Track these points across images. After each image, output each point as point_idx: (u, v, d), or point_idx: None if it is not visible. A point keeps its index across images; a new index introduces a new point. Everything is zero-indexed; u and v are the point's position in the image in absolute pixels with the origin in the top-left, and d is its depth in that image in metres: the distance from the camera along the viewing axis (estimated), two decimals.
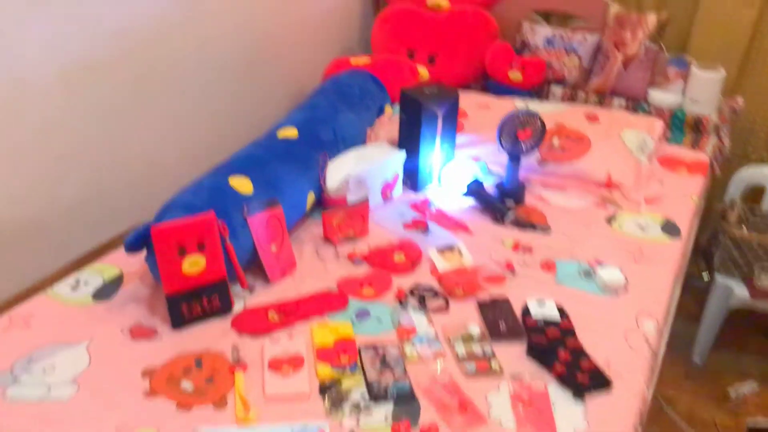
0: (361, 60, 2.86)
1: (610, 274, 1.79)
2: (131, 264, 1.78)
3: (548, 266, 1.84)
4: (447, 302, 1.69)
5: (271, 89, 2.79)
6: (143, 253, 1.65)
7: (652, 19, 2.78)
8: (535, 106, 2.56)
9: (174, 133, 2.35)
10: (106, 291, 1.71)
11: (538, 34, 2.99)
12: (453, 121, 2.25)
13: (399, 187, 2.21)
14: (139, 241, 1.61)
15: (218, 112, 2.53)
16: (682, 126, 2.71)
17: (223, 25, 2.45)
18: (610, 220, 2.09)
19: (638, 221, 2.09)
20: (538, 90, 2.94)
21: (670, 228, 2.06)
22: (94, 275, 1.77)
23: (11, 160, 1.81)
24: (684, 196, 2.26)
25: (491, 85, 2.97)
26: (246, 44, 2.59)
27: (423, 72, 2.95)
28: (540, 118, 2.10)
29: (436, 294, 1.71)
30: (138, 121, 2.18)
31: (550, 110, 2.48)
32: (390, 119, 2.52)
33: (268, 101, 2.78)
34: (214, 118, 2.51)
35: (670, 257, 1.93)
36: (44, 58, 1.84)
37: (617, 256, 1.89)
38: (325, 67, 2.90)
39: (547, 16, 3.12)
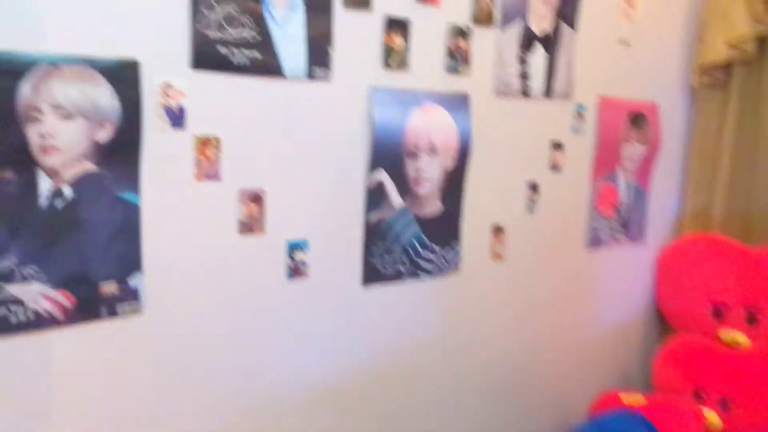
0: (634, 398, 2.50)
1: None
2: None
3: None
4: None
5: (526, 424, 2.54)
6: None
7: None
8: None
9: None
10: None
11: None
12: None
13: None
14: None
15: None
16: None
17: (484, 349, 2.34)
18: None
19: None
20: None
21: None
22: None
23: None
24: None
25: None
26: (506, 370, 2.43)
27: (712, 419, 2.50)
28: None
29: None
30: None
31: None
32: None
33: None
34: None
35: None
36: (285, 382, 1.86)
37: None
38: (592, 400, 2.59)
39: None
